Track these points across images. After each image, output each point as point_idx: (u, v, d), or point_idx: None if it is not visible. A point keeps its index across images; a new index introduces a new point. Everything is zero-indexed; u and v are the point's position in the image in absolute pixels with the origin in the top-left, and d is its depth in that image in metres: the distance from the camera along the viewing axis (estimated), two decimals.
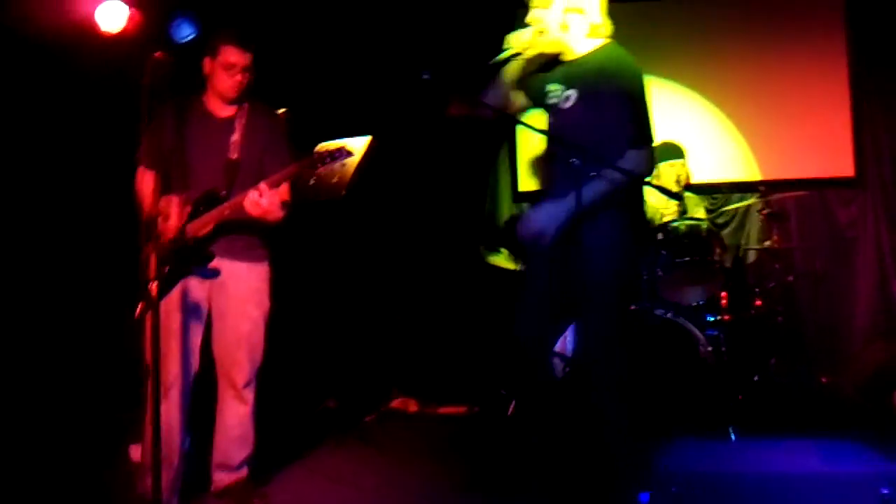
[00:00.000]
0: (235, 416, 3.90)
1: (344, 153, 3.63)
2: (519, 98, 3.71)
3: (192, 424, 3.80)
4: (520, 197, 6.28)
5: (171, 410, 3.72)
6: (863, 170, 5.92)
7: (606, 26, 3.60)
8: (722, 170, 5.97)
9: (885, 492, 2.63)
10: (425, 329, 6.02)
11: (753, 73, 6.00)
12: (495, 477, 4.27)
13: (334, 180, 4.90)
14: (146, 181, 3.87)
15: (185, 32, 4.71)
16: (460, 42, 5.89)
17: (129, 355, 4.01)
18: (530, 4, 3.64)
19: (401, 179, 6.01)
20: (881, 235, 5.85)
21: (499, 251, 5.89)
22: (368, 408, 5.55)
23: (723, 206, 5.81)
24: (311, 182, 4.90)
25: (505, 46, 3.60)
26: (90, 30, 4.62)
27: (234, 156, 3.84)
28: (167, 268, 3.67)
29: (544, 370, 3.82)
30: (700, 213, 5.36)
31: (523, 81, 3.67)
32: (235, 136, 3.89)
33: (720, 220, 5.75)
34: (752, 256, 5.77)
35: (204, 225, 3.71)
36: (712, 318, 4.82)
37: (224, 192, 3.72)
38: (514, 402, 4.99)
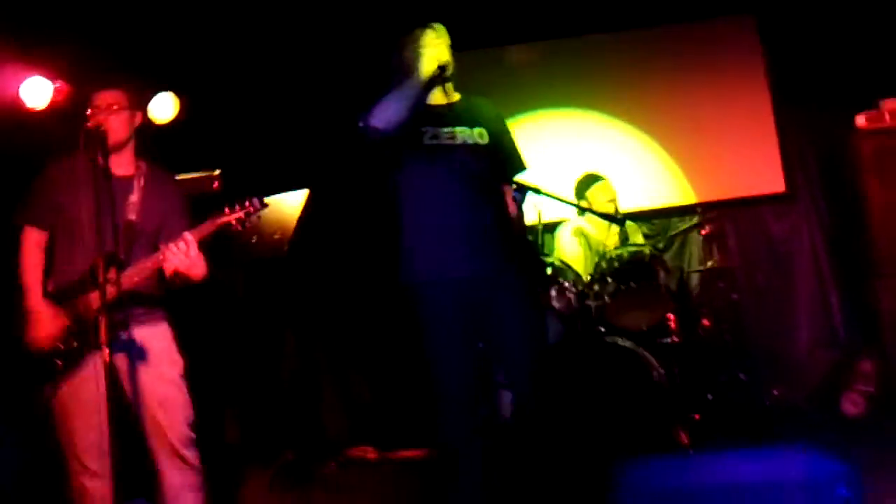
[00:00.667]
0: (181, 482, 3.69)
1: (258, 204, 3.52)
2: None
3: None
4: None
5: (106, 483, 3.49)
6: (793, 184, 6.07)
7: None
8: (657, 196, 6.07)
9: (843, 492, 2.68)
10: (377, 375, 6.00)
11: (679, 99, 6.15)
12: None
13: (276, 236, 4.92)
14: (29, 243, 3.67)
15: None
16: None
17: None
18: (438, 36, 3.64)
19: (342, 230, 6.03)
20: (816, 246, 5.99)
21: None
22: (327, 457, 5.53)
23: (661, 231, 5.91)
24: (254, 240, 4.89)
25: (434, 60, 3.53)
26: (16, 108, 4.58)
27: (132, 217, 3.65)
28: (74, 343, 3.52)
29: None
30: (640, 239, 5.46)
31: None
32: (134, 197, 3.70)
33: (661, 245, 5.85)
34: (695, 278, 5.85)
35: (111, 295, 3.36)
36: (662, 342, 4.89)
37: (122, 256, 3.52)
38: None
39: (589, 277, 4.94)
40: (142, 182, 3.70)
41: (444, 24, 3.89)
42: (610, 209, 5.26)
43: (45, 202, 3.66)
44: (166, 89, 3.93)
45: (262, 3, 5.61)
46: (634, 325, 4.88)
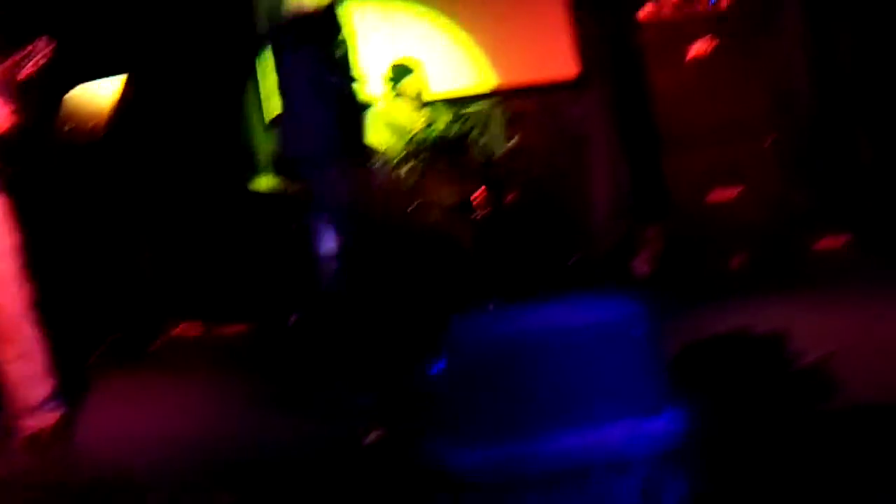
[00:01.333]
0: (9, 358, 3.75)
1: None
2: None
3: None
4: (271, 126, 6.39)
5: None
6: (587, 70, 6.35)
7: None
8: (463, 81, 6.35)
9: (636, 332, 3.09)
10: (201, 256, 6.12)
11: None
12: (282, 386, 4.49)
13: (92, 124, 4.92)
14: None
15: None
16: None
17: None
18: None
19: (159, 117, 6.03)
20: (609, 127, 6.31)
21: (262, 174, 6.06)
22: (153, 336, 5.65)
23: (466, 114, 6.20)
24: (67, 128, 4.90)
25: None
26: None
27: None
28: None
29: None
30: (445, 121, 5.74)
31: None
32: None
33: (466, 127, 6.13)
34: (500, 157, 6.19)
35: None
36: (472, 214, 5.22)
37: None
38: (294, 314, 5.24)
39: (395, 158, 5.21)
40: None
41: None
42: (416, 100, 5.53)
43: None
44: None
45: None
46: (445, 200, 5.19)
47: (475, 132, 6.18)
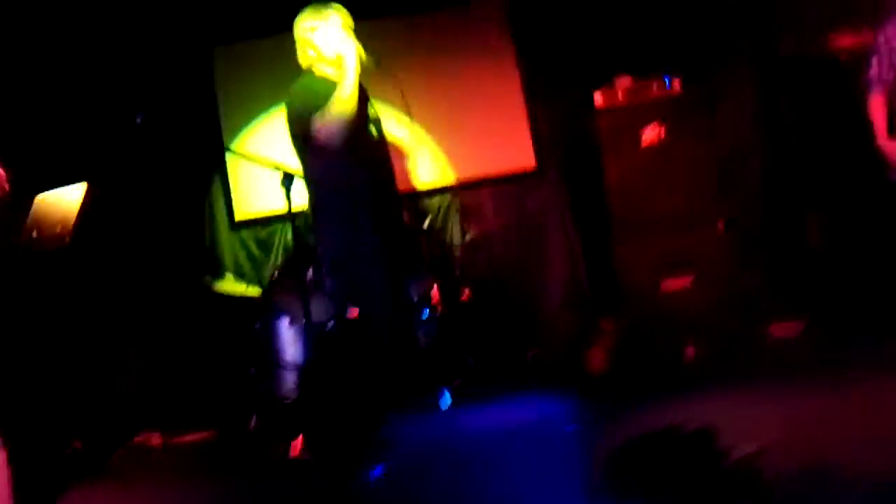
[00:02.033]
0: None
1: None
2: None
3: None
4: (237, 225, 6.52)
5: None
6: (542, 160, 6.59)
7: None
8: (421, 176, 6.47)
9: (570, 429, 3.17)
10: (161, 361, 6.16)
11: (438, 84, 6.47)
12: (245, 489, 4.53)
13: (58, 230, 5.00)
14: None
15: None
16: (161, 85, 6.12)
17: None
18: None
19: (123, 220, 6.13)
20: (564, 217, 6.52)
21: (223, 277, 6.14)
22: (114, 445, 5.67)
23: (424, 210, 6.30)
24: (34, 235, 4.98)
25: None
26: None
27: None
28: None
29: None
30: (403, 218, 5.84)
31: None
32: None
33: (425, 223, 6.23)
34: (456, 251, 6.29)
35: None
36: (427, 313, 5.29)
37: None
38: (254, 417, 5.29)
39: None
40: None
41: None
42: None
43: None
44: None
45: None
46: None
47: (432, 226, 6.32)
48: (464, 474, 3.15)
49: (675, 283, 5.73)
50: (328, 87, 4.32)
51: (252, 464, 4.90)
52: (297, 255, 5.20)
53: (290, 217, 4.18)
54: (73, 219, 5.22)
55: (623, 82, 6.06)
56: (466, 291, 5.66)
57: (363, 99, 4.39)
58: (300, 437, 4.77)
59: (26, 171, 5.36)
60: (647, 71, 6.10)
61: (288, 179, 4.08)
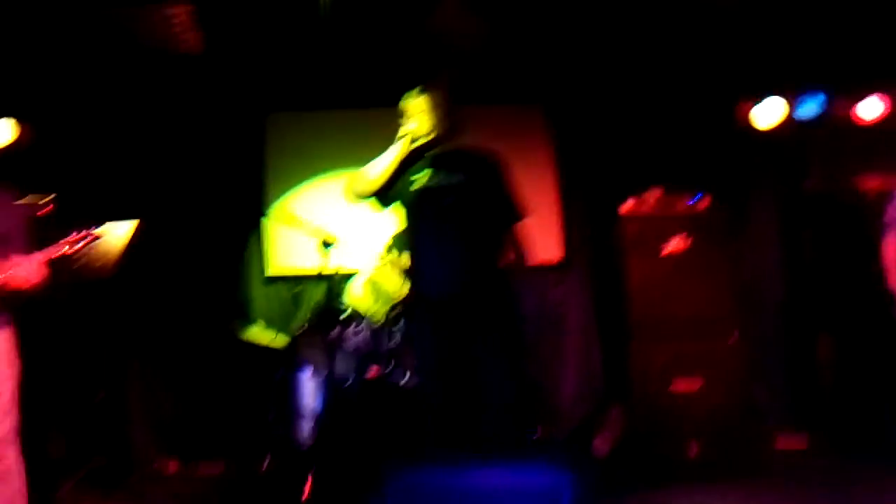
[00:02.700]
0: None
1: (90, 237, 4.01)
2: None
3: None
4: (270, 280, 6.80)
5: None
6: (569, 254, 6.83)
7: None
8: None
9: (567, 499, 3.34)
10: (185, 395, 6.40)
11: None
12: None
13: (100, 263, 5.24)
14: None
15: None
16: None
17: None
18: None
19: (166, 264, 6.44)
20: (585, 311, 6.73)
21: (252, 325, 6.35)
22: (133, 469, 5.87)
23: None
24: (77, 265, 5.22)
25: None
26: None
27: None
28: None
29: None
30: None
31: None
32: None
33: None
34: None
35: None
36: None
37: None
38: (268, 459, 5.47)
39: (381, 322, 5.52)
40: None
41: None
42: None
43: None
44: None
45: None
46: None
47: None
48: None
49: (685, 385, 5.89)
50: None
51: (261, 502, 5.07)
52: (326, 314, 5.44)
53: (323, 278, 4.33)
54: (118, 253, 5.51)
55: (654, 193, 6.32)
56: None
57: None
58: (309, 481, 4.94)
59: (80, 201, 5.73)
60: (679, 186, 6.36)
61: (327, 245, 4.28)
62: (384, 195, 4.48)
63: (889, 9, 5.60)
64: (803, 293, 6.55)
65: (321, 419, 5.24)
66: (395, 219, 4.52)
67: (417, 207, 4.43)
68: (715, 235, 6.24)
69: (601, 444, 5.87)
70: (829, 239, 6.71)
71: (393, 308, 5.51)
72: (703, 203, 6.35)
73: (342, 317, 5.43)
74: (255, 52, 6.32)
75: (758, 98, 6.50)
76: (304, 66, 6.54)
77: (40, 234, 4.24)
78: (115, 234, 5.59)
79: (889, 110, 6.41)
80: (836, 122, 6.55)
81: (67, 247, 3.92)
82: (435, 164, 4.42)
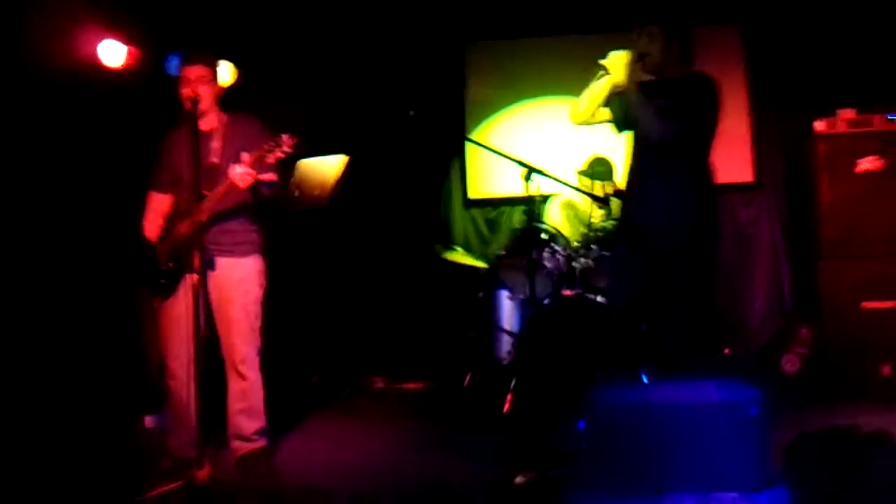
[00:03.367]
0: (236, 391, 4.44)
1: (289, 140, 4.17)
2: (602, 114, 4.57)
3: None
4: (469, 203, 7.21)
5: (186, 384, 4.33)
6: (760, 175, 6.93)
7: None
8: None
9: (753, 412, 3.60)
10: (391, 316, 6.90)
11: None
12: (452, 434, 5.18)
13: (317, 192, 5.74)
14: (152, 203, 4.57)
15: (176, 64, 5.43)
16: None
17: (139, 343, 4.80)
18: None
19: (373, 191, 6.91)
20: (774, 231, 6.87)
21: (454, 248, 6.78)
22: (344, 384, 6.45)
23: None
24: (296, 194, 5.71)
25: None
26: (95, 65, 5.37)
27: (215, 160, 4.35)
28: (171, 265, 4.38)
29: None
30: None
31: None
32: (216, 144, 4.41)
33: None
34: None
35: (194, 220, 4.15)
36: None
37: (206, 193, 4.17)
38: (469, 375, 5.92)
39: (576, 244, 5.81)
40: (221, 131, 4.45)
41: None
42: (602, 192, 6.09)
43: (161, 169, 4.54)
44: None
45: None
46: None
47: None
48: (653, 438, 3.65)
49: (877, 304, 5.91)
50: None
51: (464, 415, 5.53)
52: (524, 236, 5.76)
53: (521, 202, 4.55)
54: (332, 184, 6.00)
55: (846, 113, 6.25)
56: None
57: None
58: (510, 395, 5.36)
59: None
60: (874, 105, 6.30)
61: (530, 173, 4.55)
62: (615, 122, 4.64)
63: None
64: None
65: (520, 337, 5.62)
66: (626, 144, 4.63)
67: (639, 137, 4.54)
68: None
69: (789, 363, 6.04)
70: None
71: (588, 231, 5.77)
72: None
73: (540, 239, 5.72)
74: None
75: None
76: None
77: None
78: (329, 166, 6.11)
79: None
80: None
81: (269, 153, 4.17)
82: (658, 92, 4.45)
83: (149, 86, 5.44)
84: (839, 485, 3.71)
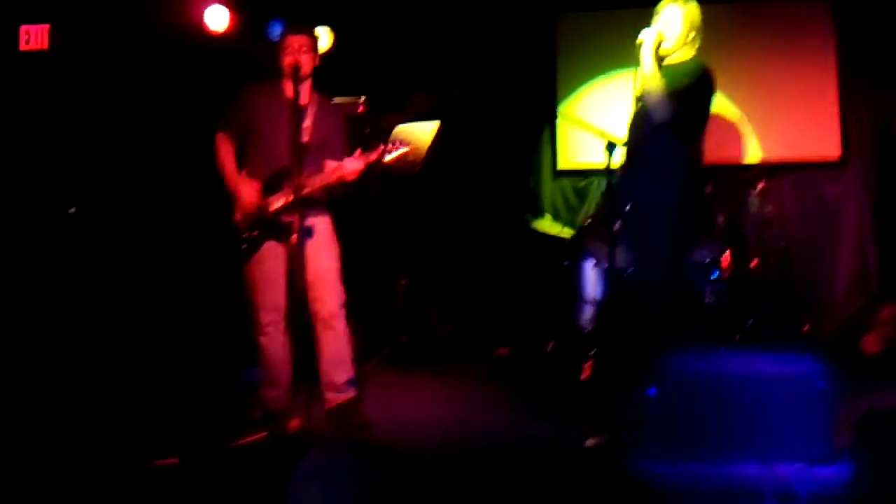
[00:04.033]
0: (326, 343, 4.63)
1: (399, 143, 4.55)
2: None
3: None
4: (559, 174, 7.34)
5: (278, 339, 4.57)
6: (848, 152, 6.89)
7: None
8: (728, 149, 6.94)
9: (821, 385, 3.73)
10: (480, 282, 7.05)
11: (756, 69, 6.91)
12: (534, 401, 5.36)
13: (410, 158, 5.94)
14: (224, 147, 4.66)
15: (277, 31, 5.62)
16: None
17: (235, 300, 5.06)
18: None
19: (465, 161, 7.05)
20: (862, 208, 6.84)
21: (542, 217, 6.93)
22: (430, 346, 6.71)
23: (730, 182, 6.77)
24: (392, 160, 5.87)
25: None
26: (200, 29, 5.67)
27: (306, 139, 4.48)
28: (256, 232, 4.58)
29: None
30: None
31: None
32: (307, 122, 4.55)
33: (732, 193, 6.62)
34: (752, 225, 6.57)
35: (287, 199, 4.43)
36: (716, 274, 5.86)
37: (295, 170, 4.34)
38: (552, 341, 6.11)
39: None
40: (314, 109, 4.63)
41: None
42: None
43: (238, 117, 4.67)
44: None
45: None
46: (693, 258, 5.86)
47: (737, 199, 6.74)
48: (720, 407, 3.82)
49: None
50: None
51: (544, 381, 5.74)
52: (609, 208, 5.88)
53: (607, 174, 4.71)
54: (425, 150, 6.19)
55: None
56: (756, 261, 6.17)
57: None
58: (589, 362, 5.54)
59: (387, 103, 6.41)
60: None
61: (611, 147, 4.67)
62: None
63: None
64: None
65: (602, 306, 5.79)
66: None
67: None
68: None
69: (871, 342, 6.07)
70: None
71: None
72: None
73: (623, 210, 5.82)
74: None
75: None
76: None
77: (353, 132, 4.95)
78: (421, 133, 6.30)
79: None
80: None
81: (385, 154, 4.52)
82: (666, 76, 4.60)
83: (246, 51, 5.67)
84: None
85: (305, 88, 4.63)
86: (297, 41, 4.56)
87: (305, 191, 4.43)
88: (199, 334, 5.66)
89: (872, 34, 6.81)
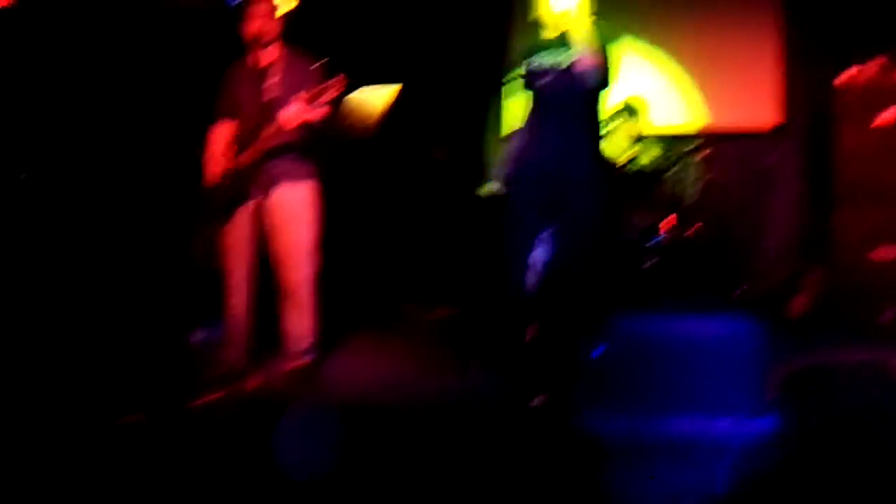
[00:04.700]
0: (290, 310, 4.65)
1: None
2: None
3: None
4: (503, 141, 7.40)
5: (240, 303, 4.66)
6: (788, 121, 7.16)
7: None
8: (674, 117, 7.21)
9: (752, 345, 3.96)
10: (429, 246, 7.23)
11: (702, 35, 7.25)
12: (474, 358, 5.49)
13: (364, 123, 6.01)
14: (215, 132, 4.71)
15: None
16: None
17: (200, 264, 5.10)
18: None
19: (415, 122, 7.16)
20: (796, 175, 7.12)
21: (487, 183, 7.06)
22: (383, 313, 6.80)
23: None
24: (346, 123, 5.94)
25: None
26: None
27: (273, 95, 4.48)
28: (229, 193, 4.61)
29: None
30: (652, 155, 6.54)
31: None
32: (275, 78, 4.52)
33: (665, 164, 6.81)
34: (691, 191, 6.76)
35: (252, 153, 4.46)
36: (657, 239, 6.10)
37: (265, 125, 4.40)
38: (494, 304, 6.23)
39: None
40: (280, 66, 4.59)
41: None
42: (626, 141, 6.41)
43: (225, 100, 4.71)
44: None
45: None
46: (638, 222, 6.10)
47: (673, 169, 6.94)
48: (657, 365, 4.05)
49: (886, 253, 6.13)
50: None
51: (489, 342, 5.88)
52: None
53: None
54: (379, 115, 6.28)
55: (878, 61, 6.38)
56: (697, 226, 6.40)
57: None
58: (535, 325, 5.71)
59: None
60: None
61: None
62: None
63: None
64: None
65: (547, 270, 5.95)
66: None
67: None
68: None
69: (797, 305, 6.35)
70: None
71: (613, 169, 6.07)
72: None
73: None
74: None
75: None
76: None
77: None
78: (377, 97, 6.37)
79: None
80: None
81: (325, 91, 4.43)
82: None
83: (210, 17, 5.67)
84: (831, 414, 4.10)
85: (271, 50, 4.64)
86: (261, 8, 4.58)
87: (266, 143, 4.49)
88: (152, 292, 5.68)
89: (814, 9, 7.04)
